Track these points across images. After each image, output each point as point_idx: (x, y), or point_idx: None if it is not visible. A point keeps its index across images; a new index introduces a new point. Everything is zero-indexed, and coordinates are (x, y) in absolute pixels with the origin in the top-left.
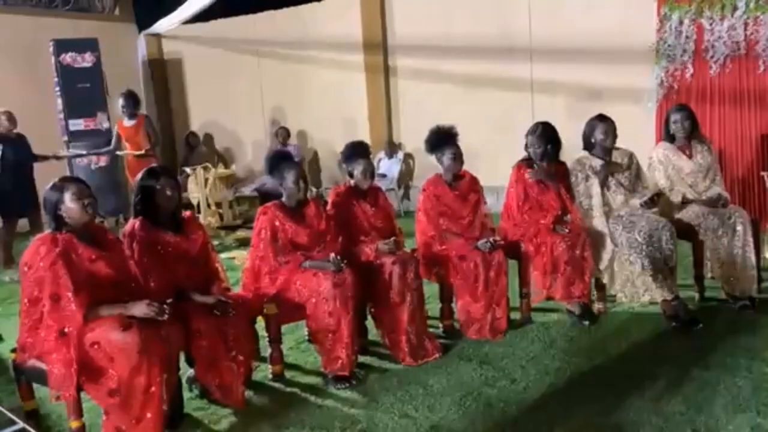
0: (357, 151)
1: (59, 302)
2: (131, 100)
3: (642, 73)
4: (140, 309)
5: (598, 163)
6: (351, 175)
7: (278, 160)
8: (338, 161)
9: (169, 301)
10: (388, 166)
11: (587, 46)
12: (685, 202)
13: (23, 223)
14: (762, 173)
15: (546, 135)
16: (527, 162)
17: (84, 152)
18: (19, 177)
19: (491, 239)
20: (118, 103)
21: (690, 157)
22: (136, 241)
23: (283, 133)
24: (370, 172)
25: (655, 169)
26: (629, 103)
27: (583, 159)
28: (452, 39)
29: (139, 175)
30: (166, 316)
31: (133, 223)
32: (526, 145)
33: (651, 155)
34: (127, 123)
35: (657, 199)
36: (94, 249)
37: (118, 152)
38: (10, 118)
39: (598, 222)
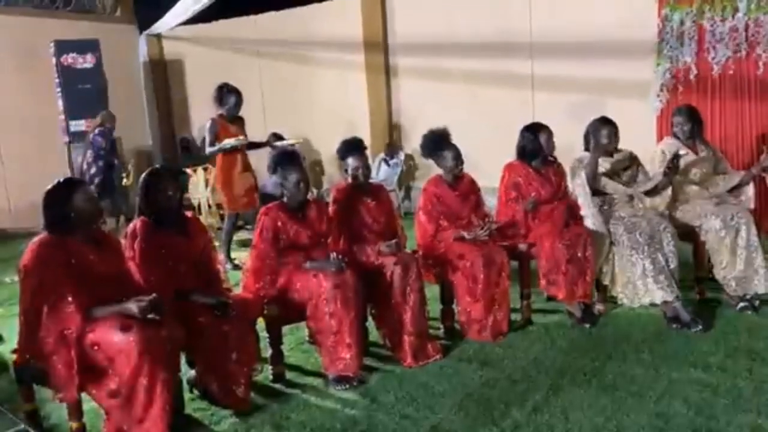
0: (352, 146)
1: (58, 304)
2: (241, 98)
3: (643, 70)
4: (133, 307)
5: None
6: (348, 172)
7: (282, 159)
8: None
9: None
10: (387, 172)
11: (588, 43)
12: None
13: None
14: (763, 174)
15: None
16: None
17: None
18: None
19: (477, 230)
20: (224, 99)
21: (696, 153)
22: (138, 241)
23: (272, 138)
24: (366, 166)
25: (656, 159)
26: (630, 101)
27: (584, 158)
28: (453, 37)
29: (142, 175)
30: (154, 314)
31: (136, 222)
32: (532, 141)
33: (655, 149)
34: (231, 124)
35: (677, 162)
36: (92, 250)
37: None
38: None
39: (589, 222)
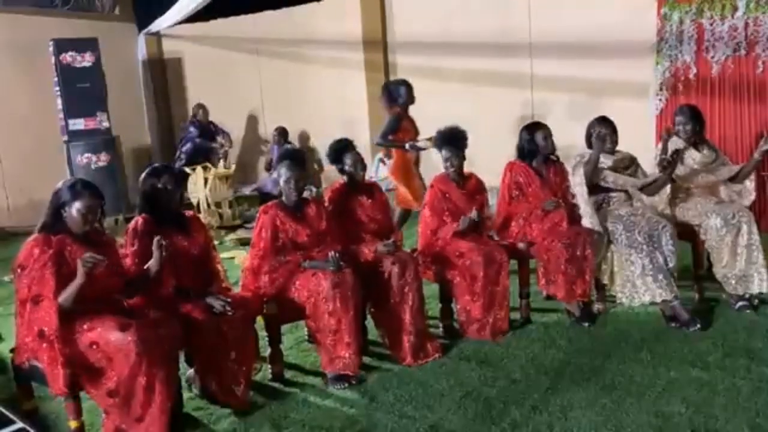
0: (343, 146)
1: (39, 303)
2: (412, 88)
3: (643, 69)
4: (79, 271)
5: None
6: (343, 171)
7: (285, 157)
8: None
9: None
10: (386, 171)
11: (587, 43)
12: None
13: None
14: (762, 173)
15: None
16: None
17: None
18: None
19: (471, 216)
20: (394, 93)
21: (699, 151)
22: (138, 238)
23: (276, 134)
24: (361, 161)
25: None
26: (630, 100)
27: (585, 154)
28: (452, 36)
29: (143, 174)
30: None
31: (137, 220)
32: (529, 141)
33: (658, 145)
34: (406, 120)
35: (676, 158)
36: (87, 248)
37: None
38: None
39: (586, 220)
